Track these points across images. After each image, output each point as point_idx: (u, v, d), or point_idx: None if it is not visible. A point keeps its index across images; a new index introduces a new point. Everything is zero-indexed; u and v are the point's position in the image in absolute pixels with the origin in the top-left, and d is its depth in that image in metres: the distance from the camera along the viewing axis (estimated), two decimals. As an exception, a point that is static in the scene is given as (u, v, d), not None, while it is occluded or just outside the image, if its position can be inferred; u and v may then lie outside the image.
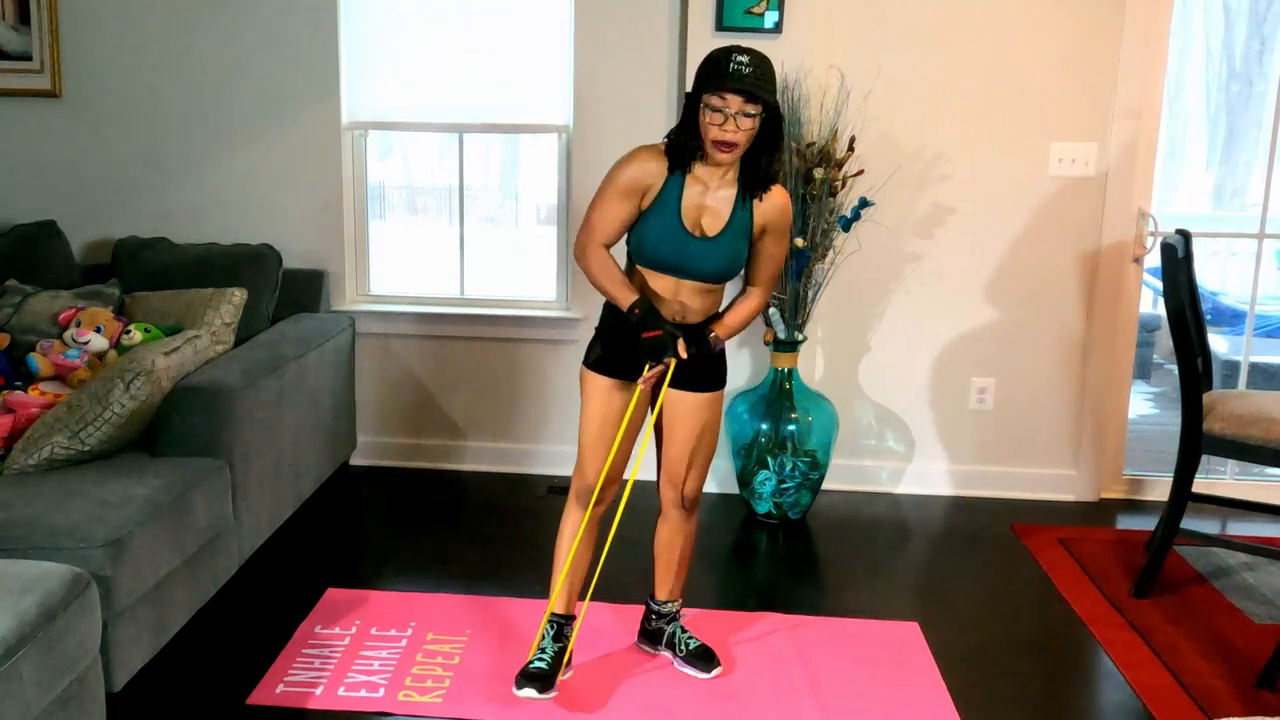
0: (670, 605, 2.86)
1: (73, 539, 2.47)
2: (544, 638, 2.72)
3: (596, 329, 2.67)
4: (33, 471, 2.85)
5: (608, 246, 2.57)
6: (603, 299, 2.62)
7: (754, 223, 2.53)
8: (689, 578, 2.99)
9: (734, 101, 2.37)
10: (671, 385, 2.63)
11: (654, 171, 2.50)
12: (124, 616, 2.56)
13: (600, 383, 2.64)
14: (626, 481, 2.73)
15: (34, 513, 2.56)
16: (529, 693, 2.61)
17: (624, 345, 2.57)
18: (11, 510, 2.57)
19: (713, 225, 2.51)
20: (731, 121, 2.38)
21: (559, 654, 2.71)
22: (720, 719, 2.62)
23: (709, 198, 2.51)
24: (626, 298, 2.54)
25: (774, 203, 2.53)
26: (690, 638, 2.85)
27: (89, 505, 2.60)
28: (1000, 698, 2.77)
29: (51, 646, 2.00)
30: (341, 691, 2.70)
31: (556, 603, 2.73)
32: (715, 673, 2.79)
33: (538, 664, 2.67)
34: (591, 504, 2.68)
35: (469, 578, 3.36)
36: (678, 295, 2.56)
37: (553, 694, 2.65)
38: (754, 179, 2.50)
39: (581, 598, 2.80)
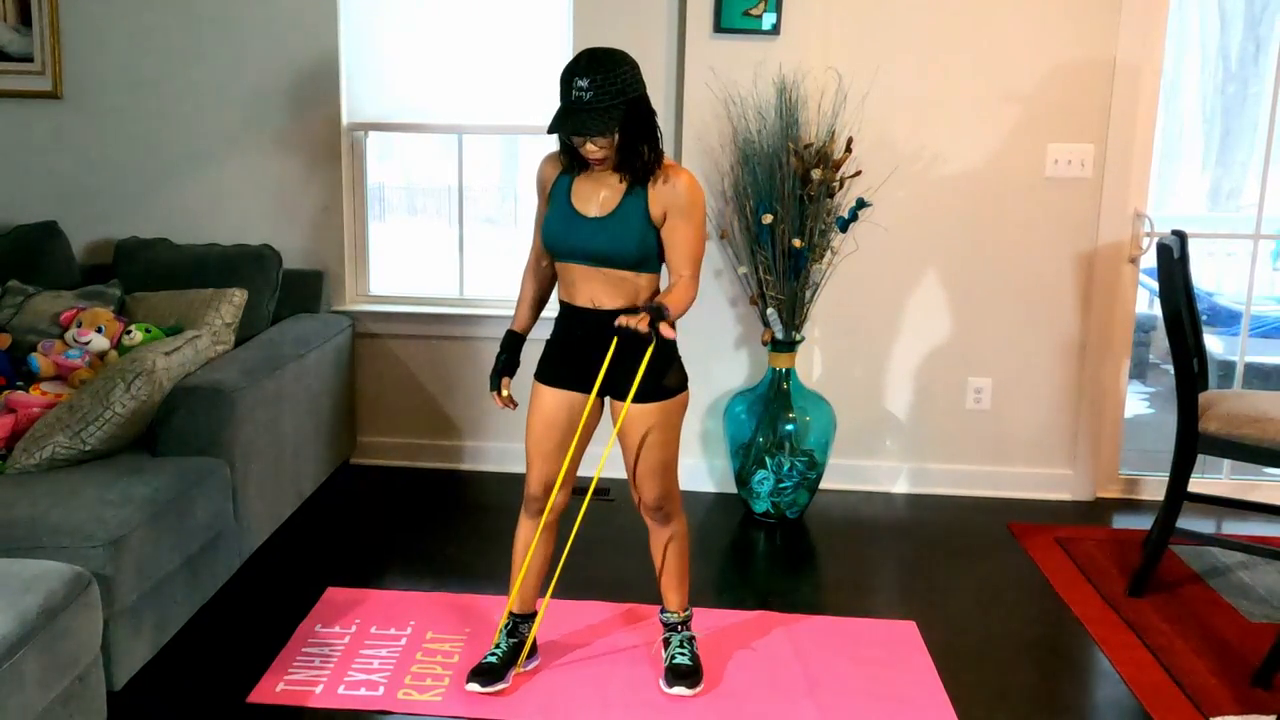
0: (669, 616, 2.83)
1: (74, 538, 2.49)
2: (500, 634, 2.79)
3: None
4: (34, 471, 2.87)
5: (543, 256, 2.71)
6: (559, 309, 2.68)
7: (650, 206, 2.51)
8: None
9: (575, 138, 2.45)
10: (608, 395, 2.65)
11: (550, 170, 2.63)
12: (125, 615, 2.57)
13: (536, 390, 2.69)
14: (586, 480, 2.76)
15: (35, 512, 2.57)
16: (474, 687, 2.68)
17: (561, 351, 2.65)
18: (13, 510, 2.58)
19: (606, 205, 2.54)
20: (589, 143, 2.44)
21: (513, 649, 2.77)
22: (718, 717, 2.64)
23: (603, 185, 2.54)
24: (514, 323, 2.75)
25: (671, 184, 2.51)
26: (678, 651, 2.79)
27: (90, 505, 2.61)
28: (997, 696, 2.78)
29: (53, 645, 2.01)
30: (341, 690, 2.71)
31: (514, 603, 2.79)
32: (684, 691, 2.71)
33: (489, 659, 2.74)
34: (545, 512, 2.71)
35: (469, 577, 3.37)
36: (590, 286, 2.58)
37: (503, 686, 2.70)
38: (639, 168, 2.50)
39: (541, 594, 2.82)
